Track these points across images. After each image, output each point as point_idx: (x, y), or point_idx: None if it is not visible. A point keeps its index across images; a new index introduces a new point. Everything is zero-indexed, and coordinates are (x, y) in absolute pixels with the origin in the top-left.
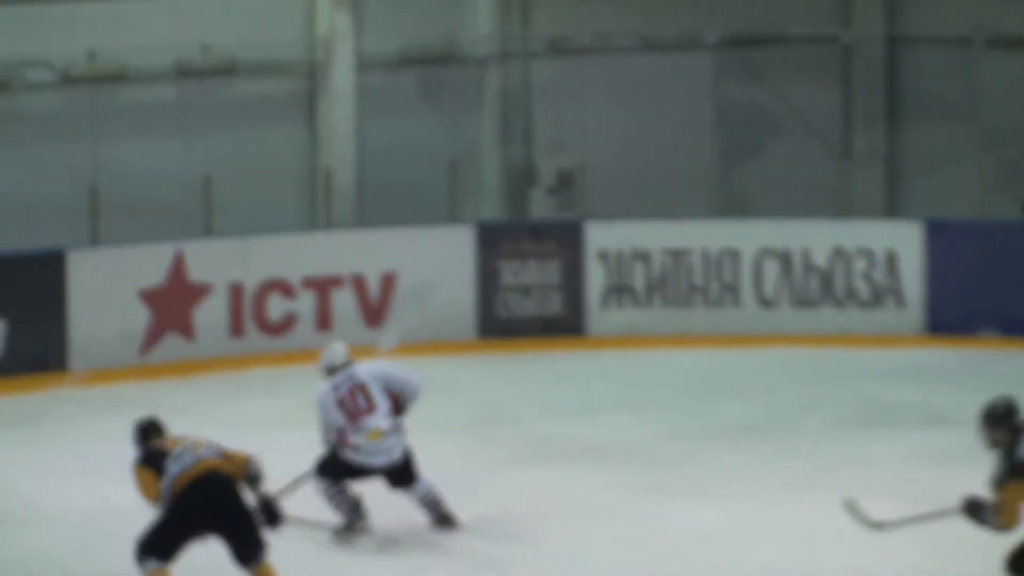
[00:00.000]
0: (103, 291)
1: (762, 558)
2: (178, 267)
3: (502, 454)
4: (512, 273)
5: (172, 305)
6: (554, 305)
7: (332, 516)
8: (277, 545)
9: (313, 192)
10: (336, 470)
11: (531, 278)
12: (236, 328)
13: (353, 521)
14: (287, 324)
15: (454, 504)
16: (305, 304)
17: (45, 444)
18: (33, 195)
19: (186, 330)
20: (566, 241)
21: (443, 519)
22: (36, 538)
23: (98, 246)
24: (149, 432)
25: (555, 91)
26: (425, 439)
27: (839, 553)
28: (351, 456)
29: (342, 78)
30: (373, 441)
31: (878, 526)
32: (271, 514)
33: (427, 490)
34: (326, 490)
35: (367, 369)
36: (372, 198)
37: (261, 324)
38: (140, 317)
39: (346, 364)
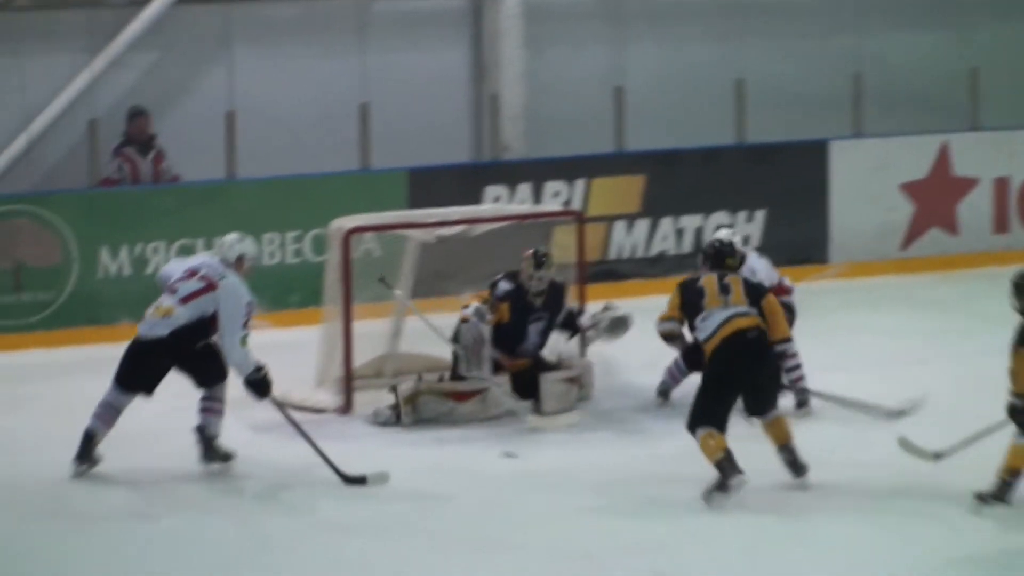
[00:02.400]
0: (865, 183)
1: None
2: (943, 160)
3: None
4: None
5: (936, 199)
6: None
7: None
8: None
9: None
10: None
11: None
12: (1000, 223)
13: None
14: None
15: None
16: None
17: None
18: (796, 86)
19: (949, 224)
20: None
21: None
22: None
23: (861, 137)
24: (723, 256)
25: None
26: None
27: None
28: None
29: None
30: None
31: (936, 456)
32: None
33: None
34: None
35: None
36: None
37: None
38: (902, 211)
39: None
